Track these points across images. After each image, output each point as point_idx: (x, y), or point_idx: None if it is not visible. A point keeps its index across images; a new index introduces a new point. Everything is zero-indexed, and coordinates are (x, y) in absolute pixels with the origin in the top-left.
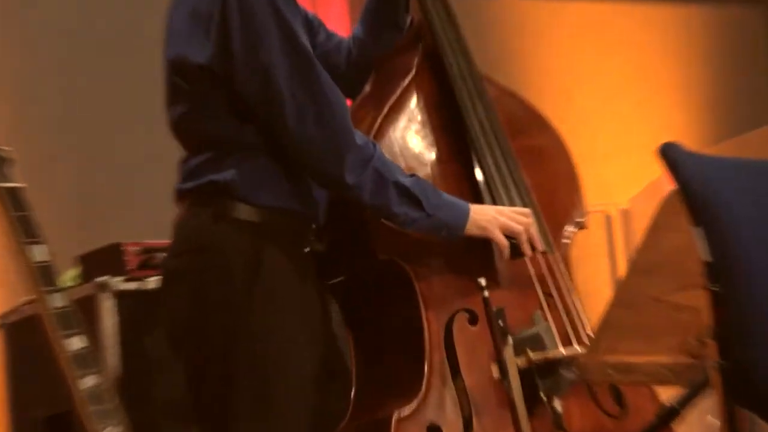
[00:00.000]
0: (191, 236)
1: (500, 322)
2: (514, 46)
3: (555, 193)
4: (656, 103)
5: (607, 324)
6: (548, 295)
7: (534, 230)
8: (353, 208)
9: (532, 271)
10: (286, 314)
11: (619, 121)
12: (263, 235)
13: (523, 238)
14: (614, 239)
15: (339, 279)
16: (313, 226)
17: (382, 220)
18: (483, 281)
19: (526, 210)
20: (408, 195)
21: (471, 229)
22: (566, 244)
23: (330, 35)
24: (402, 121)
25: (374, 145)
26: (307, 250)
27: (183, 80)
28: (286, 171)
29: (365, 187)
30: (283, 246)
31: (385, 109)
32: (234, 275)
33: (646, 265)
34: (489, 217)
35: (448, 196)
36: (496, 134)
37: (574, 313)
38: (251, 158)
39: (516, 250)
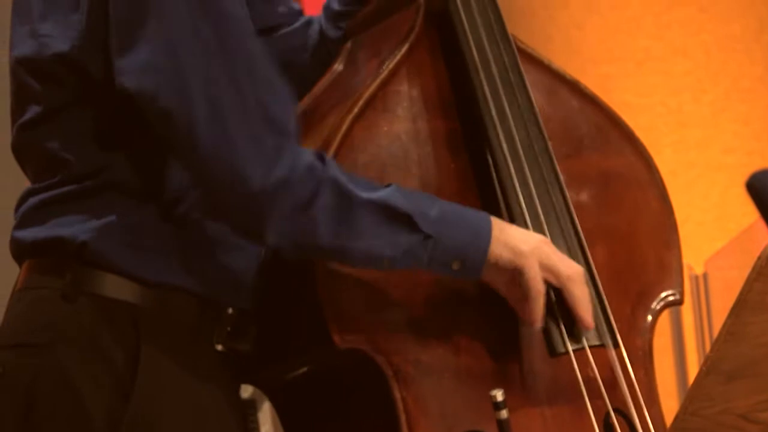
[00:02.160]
0: (27, 321)
1: None
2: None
3: (634, 247)
4: (749, 110)
5: None
6: (615, 411)
7: (586, 293)
8: (300, 262)
9: (579, 375)
10: None
11: (690, 141)
12: (146, 323)
13: (577, 290)
14: (683, 320)
15: (277, 376)
16: (230, 310)
17: (346, 275)
18: (499, 395)
19: (577, 266)
20: (391, 213)
21: (498, 250)
22: (647, 330)
23: (293, 7)
24: (384, 124)
25: (323, 160)
26: (219, 348)
27: (34, 79)
28: (187, 229)
29: (318, 226)
30: (179, 342)
31: (360, 104)
32: (90, 389)
33: (730, 365)
34: (528, 239)
35: (452, 204)
36: (531, 148)
37: None
38: (129, 207)
39: (557, 336)
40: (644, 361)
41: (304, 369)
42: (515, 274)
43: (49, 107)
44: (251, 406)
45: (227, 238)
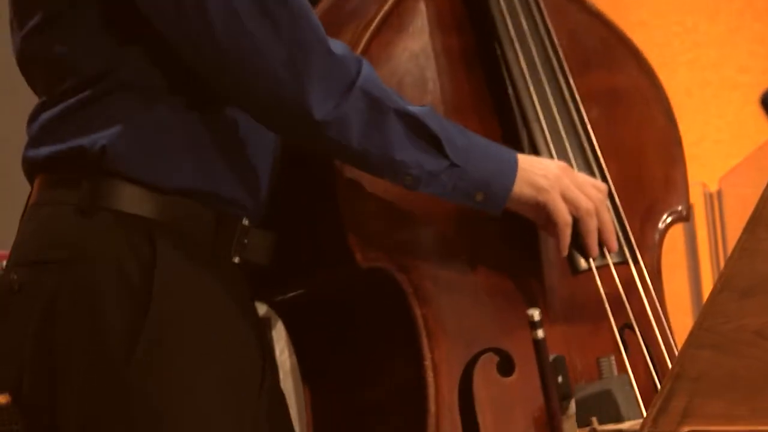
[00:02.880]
0: (43, 238)
1: (559, 379)
2: None
3: (641, 163)
4: (763, 29)
5: (683, 373)
6: (627, 327)
7: (608, 218)
8: (319, 176)
9: (602, 290)
10: (197, 375)
11: (705, 60)
12: (162, 237)
13: (592, 224)
14: (698, 237)
15: (291, 294)
16: (246, 221)
17: (368, 187)
18: (537, 314)
19: (600, 183)
20: (421, 130)
21: (521, 187)
22: (656, 246)
23: None
24: (400, 42)
25: (359, 59)
26: (236, 260)
27: None
28: (203, 127)
29: (349, 122)
30: (196, 256)
31: (376, 22)
32: (109, 306)
33: (744, 282)
34: (548, 173)
35: (479, 137)
36: (548, 64)
37: (668, 357)
38: (143, 106)
39: (578, 254)
40: (653, 278)
41: (321, 289)
42: (539, 207)
43: (49, 12)
44: (266, 324)
45: (244, 135)
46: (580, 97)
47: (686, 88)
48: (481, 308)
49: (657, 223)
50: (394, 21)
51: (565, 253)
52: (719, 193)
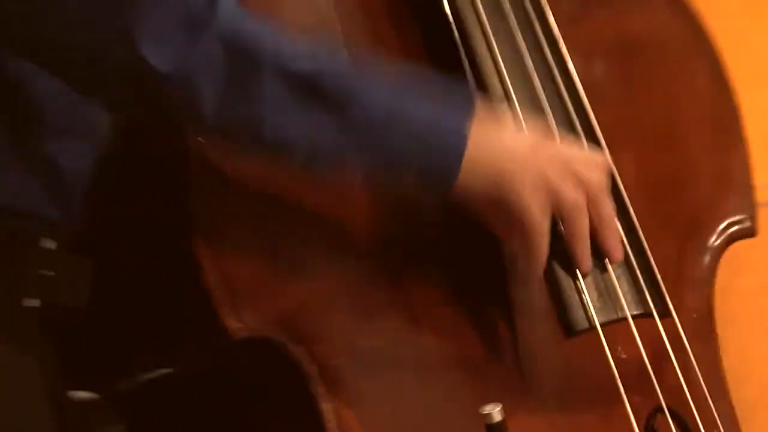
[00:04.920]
0: None
1: None
2: None
3: (675, 150)
4: None
5: None
6: (659, 412)
7: (610, 212)
8: (166, 192)
9: (611, 360)
10: None
11: None
12: None
13: (581, 225)
14: None
15: (130, 383)
16: (50, 244)
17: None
18: (497, 413)
19: (598, 156)
20: (313, 91)
21: (469, 178)
22: (706, 277)
23: None
24: None
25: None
26: (33, 303)
27: None
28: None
29: (200, 81)
30: None
31: None
32: None
33: None
34: (516, 147)
35: (411, 86)
36: (520, 5)
37: None
38: None
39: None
40: (702, 329)
41: (178, 371)
42: (496, 204)
43: None
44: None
45: (53, 118)
46: (578, 52)
47: None
48: (424, 395)
49: (705, 242)
50: None
51: (540, 274)
52: None
